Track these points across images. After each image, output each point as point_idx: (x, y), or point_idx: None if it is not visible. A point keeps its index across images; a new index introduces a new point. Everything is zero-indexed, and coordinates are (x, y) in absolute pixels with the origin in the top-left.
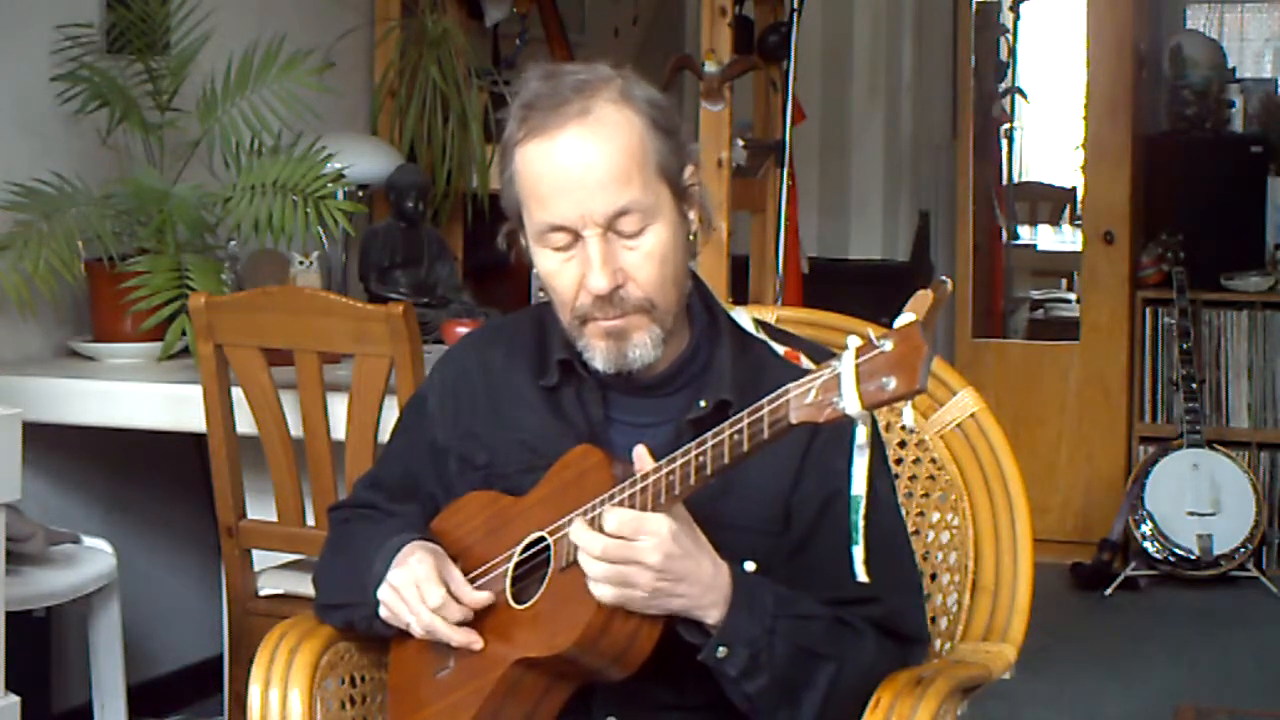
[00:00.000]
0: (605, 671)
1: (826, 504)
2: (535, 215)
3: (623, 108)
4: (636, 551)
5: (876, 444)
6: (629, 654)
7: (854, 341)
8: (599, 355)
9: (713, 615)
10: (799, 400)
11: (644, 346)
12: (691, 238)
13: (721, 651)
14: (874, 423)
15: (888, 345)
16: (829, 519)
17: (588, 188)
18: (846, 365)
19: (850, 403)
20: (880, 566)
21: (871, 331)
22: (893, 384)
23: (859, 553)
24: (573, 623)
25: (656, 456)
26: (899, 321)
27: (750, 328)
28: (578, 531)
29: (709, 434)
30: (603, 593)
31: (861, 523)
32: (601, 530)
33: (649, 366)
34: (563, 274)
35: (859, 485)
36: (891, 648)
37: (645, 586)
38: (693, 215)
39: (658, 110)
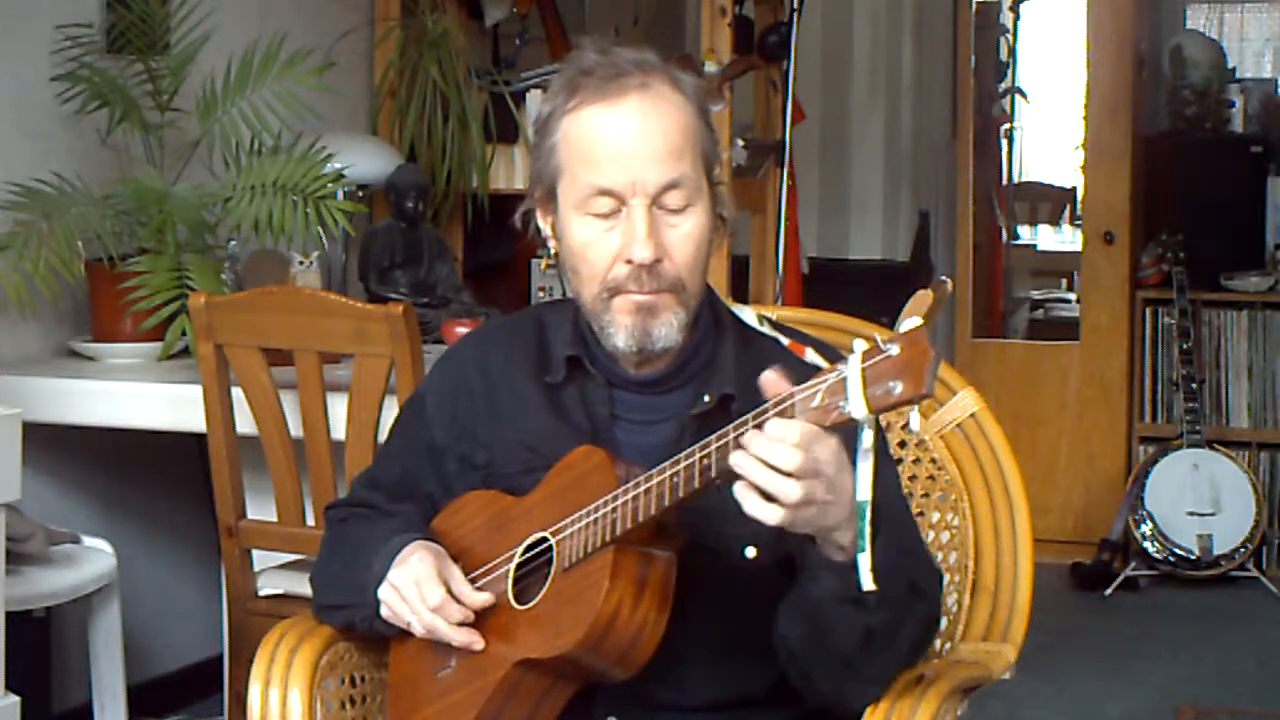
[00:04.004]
0: (608, 672)
1: None
2: (582, 179)
3: (676, 90)
4: (820, 464)
5: (878, 434)
6: (631, 654)
7: (860, 345)
8: (622, 332)
9: (845, 537)
10: (805, 404)
11: (669, 326)
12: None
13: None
14: (878, 427)
15: (894, 349)
16: None
17: (643, 156)
18: (853, 369)
19: (856, 407)
20: (907, 542)
21: (878, 335)
22: (899, 388)
23: (865, 560)
24: (575, 623)
25: (662, 454)
26: (905, 326)
27: (755, 324)
28: (759, 446)
29: (713, 435)
30: (775, 514)
31: (869, 530)
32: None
33: (653, 362)
34: (600, 243)
35: (864, 491)
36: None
37: (820, 499)
38: (720, 211)
39: (704, 103)
